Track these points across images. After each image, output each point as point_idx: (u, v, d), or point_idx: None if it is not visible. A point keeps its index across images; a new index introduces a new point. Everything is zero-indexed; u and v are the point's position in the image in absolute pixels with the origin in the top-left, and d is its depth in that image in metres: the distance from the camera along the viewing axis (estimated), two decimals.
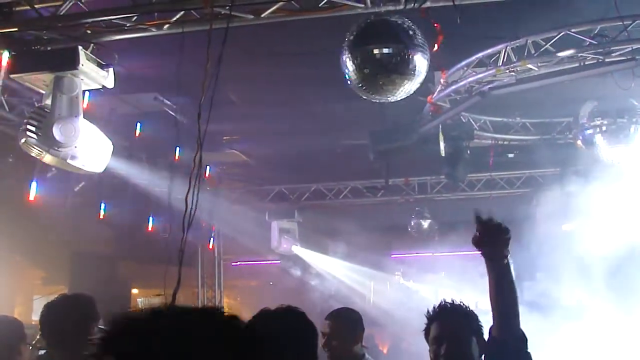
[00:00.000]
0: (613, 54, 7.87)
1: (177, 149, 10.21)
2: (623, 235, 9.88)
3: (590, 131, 9.79)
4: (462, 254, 15.33)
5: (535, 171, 13.15)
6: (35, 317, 7.98)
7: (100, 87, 6.91)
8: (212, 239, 14.98)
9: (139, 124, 10.45)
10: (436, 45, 6.04)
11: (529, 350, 3.44)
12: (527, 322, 3.43)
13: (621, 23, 7.36)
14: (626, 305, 9.53)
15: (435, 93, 9.02)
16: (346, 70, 5.90)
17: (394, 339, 14.26)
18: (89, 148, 6.80)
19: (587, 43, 7.77)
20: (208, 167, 13.02)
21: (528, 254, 9.25)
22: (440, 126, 9.92)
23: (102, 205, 11.04)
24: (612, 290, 9.67)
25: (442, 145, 10.03)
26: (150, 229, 11.87)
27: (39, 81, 6.79)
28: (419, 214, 14.74)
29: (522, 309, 3.39)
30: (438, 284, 16.07)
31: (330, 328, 5.13)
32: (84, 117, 6.74)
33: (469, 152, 10.63)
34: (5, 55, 6.64)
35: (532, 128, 11.24)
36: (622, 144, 9.61)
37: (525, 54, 7.96)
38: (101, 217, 11.07)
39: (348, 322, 5.36)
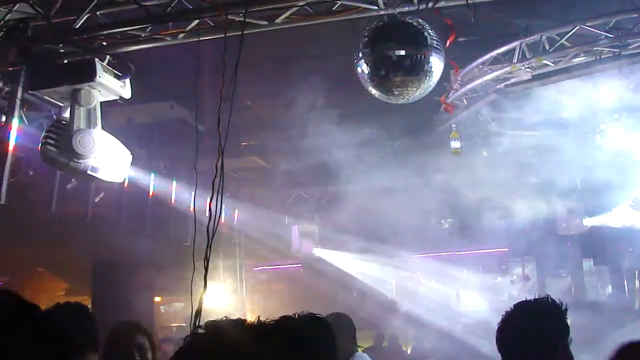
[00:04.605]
0: (629, 47, 7.80)
1: None
2: None
3: (608, 125, 9.73)
4: (483, 252, 15.30)
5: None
6: None
7: (118, 97, 6.96)
8: (232, 243, 15.02)
9: None
10: (448, 42, 6.02)
11: None
12: None
13: (637, 15, 7.31)
14: None
15: (451, 92, 8.99)
16: (361, 72, 5.90)
17: (417, 339, 14.24)
18: (108, 158, 6.85)
19: (603, 37, 7.72)
20: None
21: None
22: (454, 125, 9.87)
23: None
24: None
25: (453, 143, 9.94)
26: None
27: (57, 94, 6.86)
28: (440, 213, 14.67)
29: None
30: (460, 282, 16.03)
31: None
32: (102, 128, 6.80)
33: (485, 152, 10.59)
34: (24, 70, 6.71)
35: (549, 124, 11.12)
36: None
37: (540, 49, 7.93)
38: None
39: None
